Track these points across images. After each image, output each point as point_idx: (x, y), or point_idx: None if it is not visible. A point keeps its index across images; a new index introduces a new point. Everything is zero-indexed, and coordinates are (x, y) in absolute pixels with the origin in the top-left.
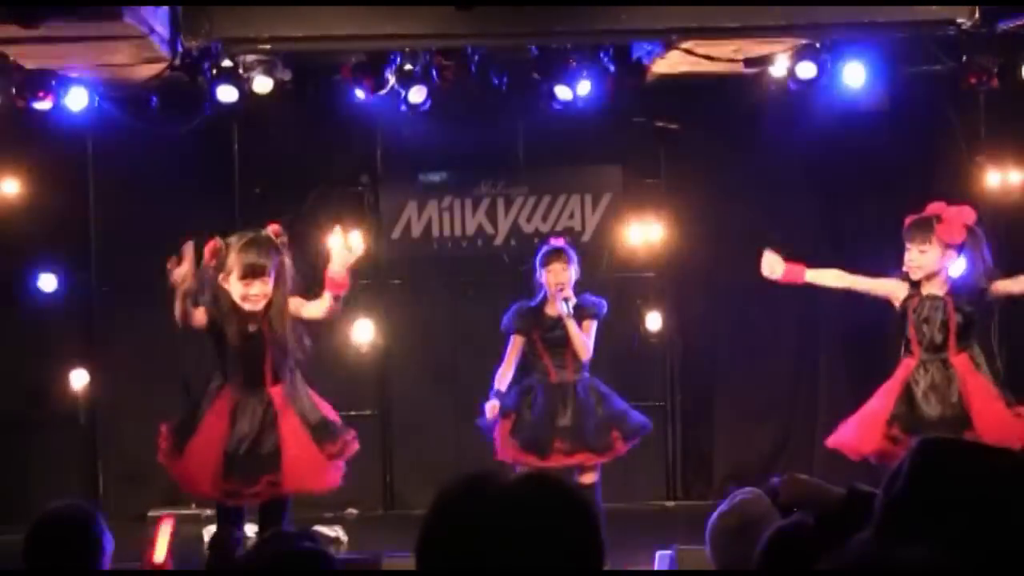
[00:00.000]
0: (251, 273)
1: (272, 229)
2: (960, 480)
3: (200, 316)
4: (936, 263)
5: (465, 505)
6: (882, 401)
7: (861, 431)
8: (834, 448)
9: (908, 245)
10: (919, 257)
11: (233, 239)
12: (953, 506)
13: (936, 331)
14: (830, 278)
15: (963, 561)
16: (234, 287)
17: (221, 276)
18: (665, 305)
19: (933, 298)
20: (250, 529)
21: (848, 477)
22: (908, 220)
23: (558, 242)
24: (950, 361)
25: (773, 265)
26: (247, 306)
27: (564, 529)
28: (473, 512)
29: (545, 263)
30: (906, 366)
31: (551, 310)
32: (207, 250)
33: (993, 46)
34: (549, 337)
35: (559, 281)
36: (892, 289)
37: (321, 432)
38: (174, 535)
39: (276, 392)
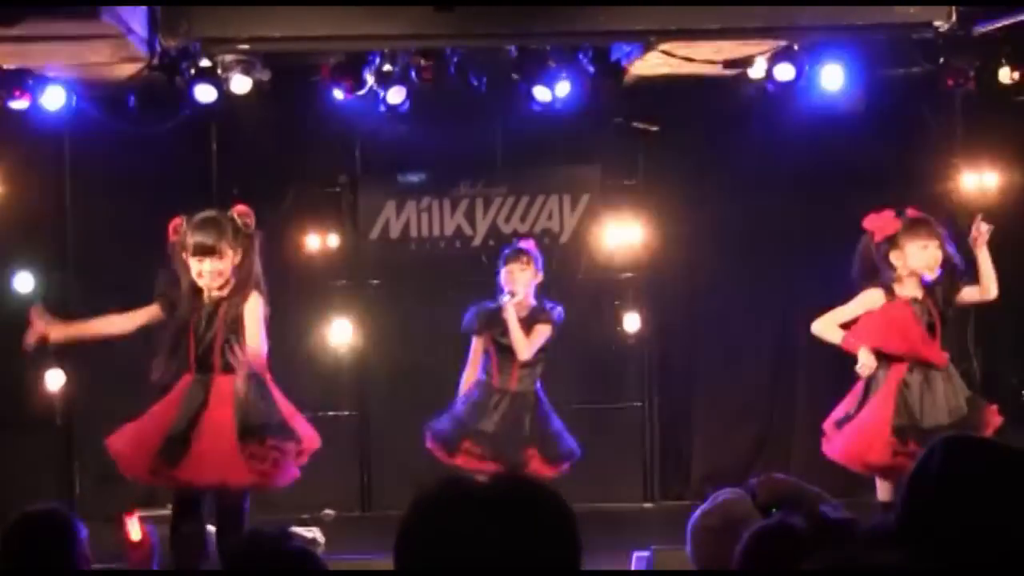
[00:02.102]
0: (200, 251)
1: (237, 210)
2: (989, 478)
3: (151, 310)
4: (940, 258)
5: (443, 506)
6: (881, 411)
7: (864, 442)
8: (833, 459)
9: (911, 242)
10: (934, 252)
11: (195, 216)
12: (984, 503)
13: (926, 335)
14: (825, 331)
15: (983, 558)
16: (192, 266)
17: (185, 253)
18: (643, 306)
19: (917, 301)
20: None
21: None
22: (899, 219)
23: (525, 243)
24: (940, 366)
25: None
26: (199, 282)
27: (541, 530)
28: (451, 513)
29: (505, 262)
30: (898, 372)
31: (506, 313)
32: (169, 228)
33: (970, 49)
34: (500, 340)
35: (512, 280)
36: (872, 302)
37: (253, 431)
38: (141, 519)
39: (223, 381)
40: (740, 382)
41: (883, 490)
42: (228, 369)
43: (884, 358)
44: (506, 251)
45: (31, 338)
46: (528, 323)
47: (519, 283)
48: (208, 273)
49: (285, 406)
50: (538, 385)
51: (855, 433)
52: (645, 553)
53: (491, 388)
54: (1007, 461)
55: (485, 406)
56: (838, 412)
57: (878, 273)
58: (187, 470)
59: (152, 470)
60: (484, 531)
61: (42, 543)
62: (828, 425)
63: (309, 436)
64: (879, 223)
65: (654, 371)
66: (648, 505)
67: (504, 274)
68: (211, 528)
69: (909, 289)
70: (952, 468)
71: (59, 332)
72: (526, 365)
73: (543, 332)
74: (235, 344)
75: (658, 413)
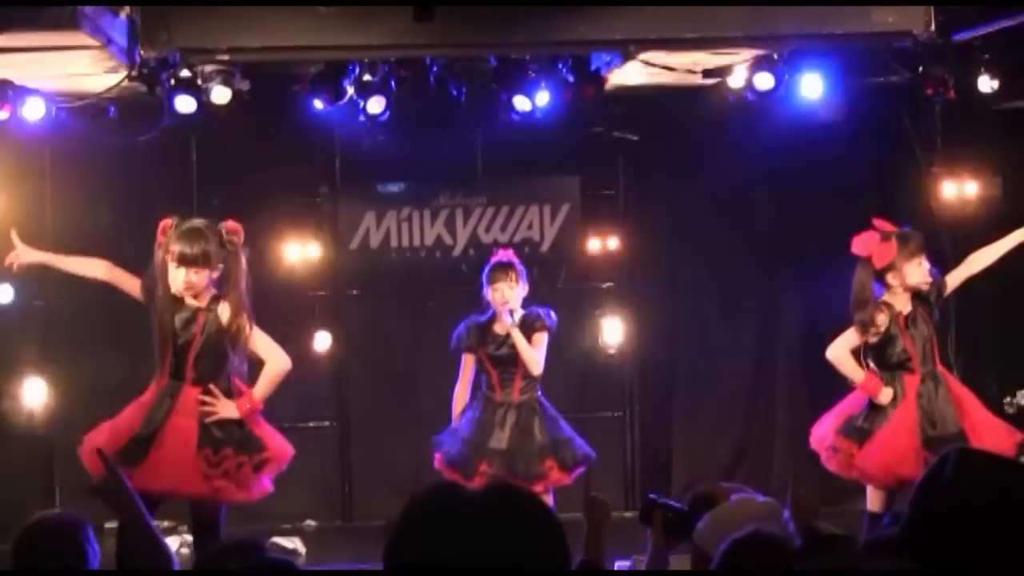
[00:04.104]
0: (181, 260)
1: (227, 225)
2: (1001, 491)
3: (133, 284)
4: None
5: (433, 513)
6: (908, 423)
7: (896, 456)
8: (864, 470)
9: (908, 261)
10: (926, 266)
11: (181, 221)
12: (994, 515)
13: (926, 343)
14: (843, 364)
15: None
16: (171, 273)
17: (167, 256)
18: (623, 315)
19: (915, 312)
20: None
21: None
22: (891, 241)
23: (505, 255)
24: (940, 372)
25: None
26: (172, 288)
27: (530, 538)
28: (441, 521)
29: (491, 280)
30: (913, 384)
31: (500, 327)
32: (159, 228)
33: (949, 57)
34: (496, 354)
35: (504, 299)
36: (882, 322)
37: (211, 443)
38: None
39: (191, 392)
40: (720, 390)
41: (874, 500)
42: (200, 381)
43: (896, 371)
44: (488, 267)
45: (10, 258)
46: (525, 334)
47: (512, 300)
48: (183, 282)
49: (254, 423)
50: (539, 393)
51: (884, 447)
52: (626, 562)
53: (494, 403)
54: (1019, 475)
55: (491, 423)
56: (836, 421)
57: (871, 303)
58: (142, 475)
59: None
60: (474, 539)
61: (53, 550)
62: (835, 438)
63: (278, 447)
64: (874, 248)
65: (634, 380)
66: (629, 514)
67: (492, 293)
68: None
69: (900, 303)
70: (964, 479)
71: (31, 253)
72: (527, 375)
73: (543, 340)
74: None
75: (639, 422)
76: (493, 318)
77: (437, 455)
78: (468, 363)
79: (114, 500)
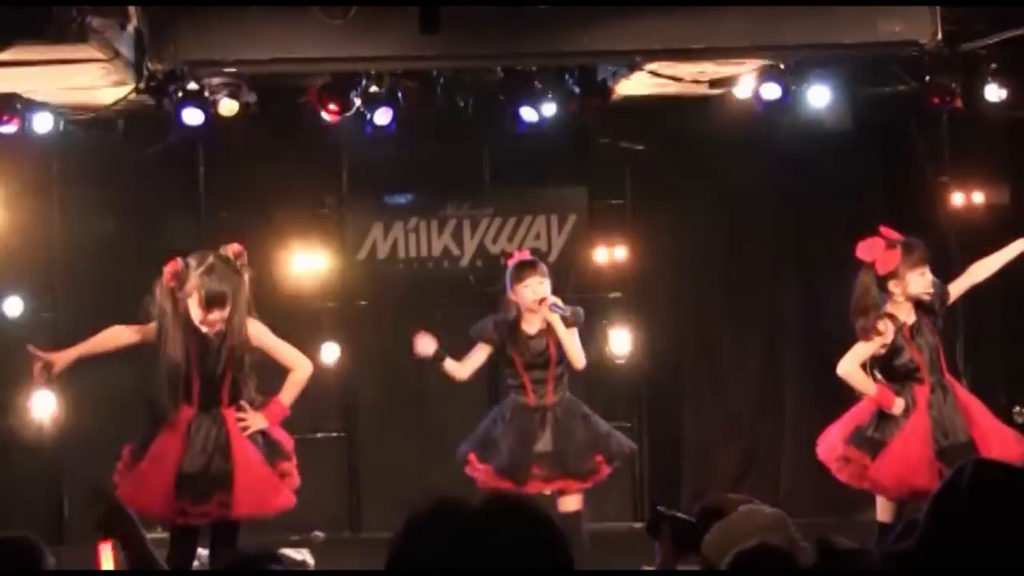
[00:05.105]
0: (212, 301)
1: (232, 250)
2: (1018, 503)
3: (147, 330)
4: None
5: (435, 526)
6: (920, 434)
7: (909, 467)
8: (877, 481)
9: (911, 271)
10: (929, 277)
11: (193, 261)
12: (1012, 526)
13: (933, 353)
14: (855, 378)
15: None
16: (193, 311)
17: (182, 295)
18: (631, 326)
19: (920, 322)
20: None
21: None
22: (895, 249)
23: (523, 254)
24: (947, 381)
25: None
26: (204, 329)
27: (532, 550)
28: (443, 533)
29: (520, 278)
30: (923, 394)
31: (528, 327)
32: (167, 271)
33: (956, 67)
34: (529, 356)
35: (539, 295)
36: (886, 333)
37: (274, 451)
38: (115, 547)
39: (230, 414)
40: (728, 400)
41: (884, 511)
42: (232, 403)
43: (906, 381)
44: (514, 265)
45: (38, 376)
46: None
47: (546, 294)
48: (213, 321)
49: (275, 429)
50: (569, 394)
51: (898, 458)
52: None
53: (529, 408)
54: None
55: (532, 428)
56: (843, 431)
57: (873, 308)
58: (233, 503)
59: (178, 511)
60: (476, 551)
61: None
62: (845, 448)
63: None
64: (878, 254)
65: (643, 390)
66: (638, 525)
67: (523, 290)
68: (202, 551)
69: (904, 313)
70: (981, 491)
71: (62, 358)
72: (558, 376)
73: (575, 335)
74: (249, 385)
75: (647, 432)
76: (519, 318)
77: (480, 467)
78: (480, 351)
79: (120, 534)
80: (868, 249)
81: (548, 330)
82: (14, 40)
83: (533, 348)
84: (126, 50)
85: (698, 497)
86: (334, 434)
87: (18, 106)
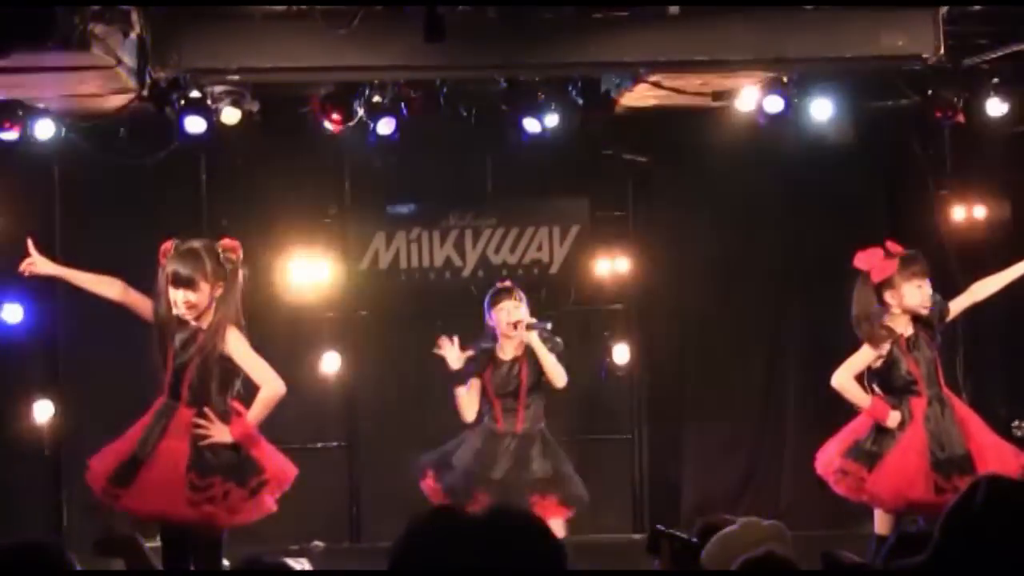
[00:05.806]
0: (175, 281)
1: (223, 243)
2: None
3: (145, 305)
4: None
5: (434, 536)
6: (916, 446)
7: (906, 479)
8: (874, 494)
9: (907, 282)
10: (927, 291)
11: (179, 241)
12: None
13: (930, 366)
14: (848, 390)
15: None
16: (170, 293)
17: (163, 273)
18: (632, 337)
19: (917, 335)
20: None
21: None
22: (893, 259)
23: (504, 283)
24: (945, 394)
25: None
26: (174, 310)
27: (530, 562)
28: (442, 543)
29: (494, 303)
30: (920, 407)
31: (503, 353)
32: (160, 250)
33: (958, 81)
34: (499, 381)
35: (514, 318)
36: (884, 344)
37: (201, 467)
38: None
39: (185, 414)
40: (729, 412)
41: (882, 523)
42: (194, 402)
43: (903, 395)
44: (490, 292)
45: (24, 265)
46: (533, 355)
47: (521, 317)
48: (181, 303)
49: (254, 443)
50: (542, 425)
51: (894, 471)
52: None
53: (496, 434)
54: None
55: (494, 453)
56: (841, 445)
57: (875, 314)
58: (131, 497)
59: (105, 490)
60: (474, 562)
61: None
62: (843, 461)
63: (278, 468)
64: (875, 263)
65: (643, 402)
66: (638, 536)
67: (495, 315)
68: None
69: (901, 326)
70: (995, 508)
71: (47, 265)
72: (529, 405)
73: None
74: (223, 394)
75: (647, 444)
76: (495, 344)
77: (428, 481)
78: (475, 389)
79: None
80: (865, 258)
81: (522, 357)
82: (16, 47)
83: (504, 374)
84: (129, 57)
85: (700, 512)
86: (334, 443)
87: (20, 113)
